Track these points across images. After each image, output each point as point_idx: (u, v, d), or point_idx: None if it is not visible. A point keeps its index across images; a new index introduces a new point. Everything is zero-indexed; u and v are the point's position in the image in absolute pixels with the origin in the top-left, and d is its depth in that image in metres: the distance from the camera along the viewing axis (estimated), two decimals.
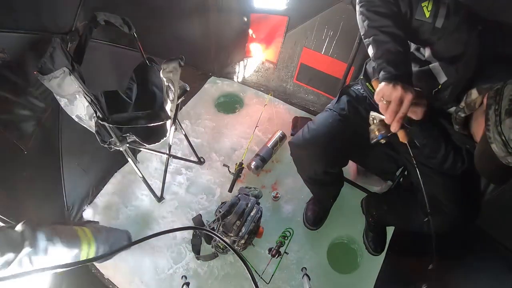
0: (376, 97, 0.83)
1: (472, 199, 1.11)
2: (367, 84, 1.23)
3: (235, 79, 2.40)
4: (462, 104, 0.80)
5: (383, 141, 0.86)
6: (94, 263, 1.58)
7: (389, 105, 0.79)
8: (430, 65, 0.95)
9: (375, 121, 0.87)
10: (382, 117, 0.83)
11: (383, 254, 1.60)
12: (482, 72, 0.80)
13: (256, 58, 2.24)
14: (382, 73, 0.84)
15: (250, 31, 2.08)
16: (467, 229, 1.13)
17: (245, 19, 2.01)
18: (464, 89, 0.84)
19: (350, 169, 1.89)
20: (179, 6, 1.77)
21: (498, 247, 1.02)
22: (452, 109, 0.91)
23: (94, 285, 1.54)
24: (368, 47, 0.91)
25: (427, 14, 0.86)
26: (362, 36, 0.94)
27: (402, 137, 0.83)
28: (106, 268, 1.57)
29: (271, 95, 2.26)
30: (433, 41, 0.91)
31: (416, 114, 0.87)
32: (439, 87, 0.92)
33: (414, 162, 0.89)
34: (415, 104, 0.84)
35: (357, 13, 0.95)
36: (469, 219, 1.09)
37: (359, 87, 1.29)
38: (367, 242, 1.61)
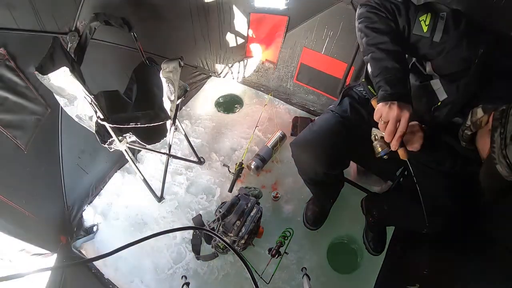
0: (375, 117, 0.85)
1: (472, 199, 1.11)
2: (369, 86, 1.23)
3: (235, 79, 2.40)
4: (468, 122, 0.80)
5: (386, 157, 0.88)
6: (94, 263, 1.59)
7: (387, 125, 0.81)
8: (431, 81, 0.95)
9: (377, 137, 0.89)
10: (383, 134, 0.85)
11: (383, 254, 1.60)
12: (484, 91, 0.80)
13: (256, 58, 2.24)
14: (380, 92, 0.85)
15: (250, 31, 2.08)
16: (467, 229, 1.13)
17: (245, 19, 2.01)
18: (463, 107, 0.84)
19: (350, 169, 1.89)
20: (179, 6, 1.77)
21: (498, 247, 1.02)
22: (456, 119, 0.91)
23: (94, 285, 1.54)
24: (367, 64, 0.92)
25: (425, 29, 0.87)
26: (362, 53, 0.94)
27: (402, 155, 0.85)
28: (106, 268, 1.57)
29: (271, 95, 2.26)
30: (433, 56, 0.91)
31: (414, 147, 0.90)
32: (439, 104, 0.93)
33: (415, 180, 0.90)
34: (412, 139, 0.87)
35: (356, 29, 0.96)
36: (469, 219, 1.09)
37: (361, 89, 1.29)
38: (367, 242, 1.61)
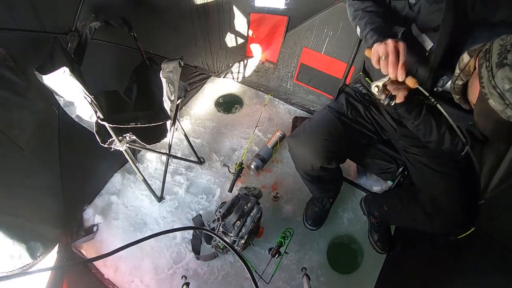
0: (374, 60, 0.87)
1: (472, 199, 1.11)
2: (366, 78, 1.25)
3: (235, 79, 2.40)
4: (457, 71, 0.81)
5: (392, 102, 0.91)
6: (94, 263, 1.59)
7: (388, 59, 0.83)
8: (418, 36, 0.97)
9: (379, 88, 0.92)
10: (384, 80, 0.89)
11: (383, 254, 1.60)
12: (471, 37, 0.82)
13: (256, 58, 2.24)
14: (370, 40, 0.92)
15: (250, 31, 2.08)
16: (467, 229, 1.13)
17: (245, 19, 2.01)
18: (451, 53, 0.85)
19: (350, 169, 1.90)
20: (179, 6, 1.77)
21: (498, 247, 1.02)
22: (447, 85, 0.92)
23: (94, 285, 1.54)
24: (356, 28, 1.00)
25: None
26: (351, 23, 1.04)
27: (412, 83, 0.85)
28: (106, 268, 1.57)
29: (271, 95, 2.26)
30: (413, 16, 0.96)
31: (398, 97, 0.91)
32: (427, 54, 0.94)
33: (433, 100, 0.87)
34: (397, 88, 0.90)
35: (347, 6, 1.06)
36: (469, 219, 1.09)
37: (358, 85, 1.31)
38: (374, 242, 1.61)
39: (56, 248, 1.51)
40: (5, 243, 1.20)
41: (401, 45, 0.83)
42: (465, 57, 0.78)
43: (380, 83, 0.91)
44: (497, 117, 0.65)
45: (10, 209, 1.25)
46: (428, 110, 0.99)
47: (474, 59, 0.75)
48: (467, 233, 1.11)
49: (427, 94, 0.86)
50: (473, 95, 0.77)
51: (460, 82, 0.81)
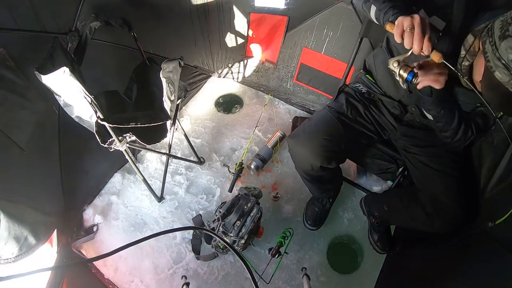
0: (397, 32, 0.82)
1: (472, 198, 1.11)
2: (367, 76, 1.25)
3: (235, 79, 2.40)
4: (463, 52, 0.82)
5: (414, 80, 0.85)
6: (94, 263, 1.59)
7: (415, 31, 0.79)
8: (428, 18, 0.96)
9: (399, 62, 0.86)
10: (406, 55, 0.84)
11: (383, 254, 1.60)
12: (475, 21, 0.84)
13: (256, 58, 2.24)
14: (392, 16, 0.87)
15: (250, 31, 2.08)
16: (467, 229, 1.13)
17: (245, 19, 2.01)
18: (462, 32, 0.86)
19: (350, 169, 1.90)
20: (179, 6, 1.77)
21: (497, 247, 1.02)
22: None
23: (94, 285, 1.54)
24: (370, 8, 0.96)
25: None
26: (362, 5, 1.00)
27: (437, 58, 0.80)
28: (106, 268, 1.57)
29: (271, 95, 2.26)
30: (425, 1, 0.94)
31: (439, 82, 0.88)
32: (440, 34, 0.93)
33: (462, 76, 0.85)
34: (439, 73, 0.86)
35: None
36: (470, 219, 1.09)
37: (358, 85, 1.31)
38: (373, 242, 1.61)
39: (56, 242, 1.51)
40: (10, 226, 1.21)
41: (426, 21, 0.80)
42: (470, 38, 0.79)
43: (400, 58, 0.85)
44: (504, 90, 0.67)
45: (11, 198, 1.25)
46: (452, 98, 0.98)
47: (478, 39, 0.76)
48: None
49: (458, 72, 0.82)
50: (479, 74, 0.78)
51: (466, 63, 0.83)
